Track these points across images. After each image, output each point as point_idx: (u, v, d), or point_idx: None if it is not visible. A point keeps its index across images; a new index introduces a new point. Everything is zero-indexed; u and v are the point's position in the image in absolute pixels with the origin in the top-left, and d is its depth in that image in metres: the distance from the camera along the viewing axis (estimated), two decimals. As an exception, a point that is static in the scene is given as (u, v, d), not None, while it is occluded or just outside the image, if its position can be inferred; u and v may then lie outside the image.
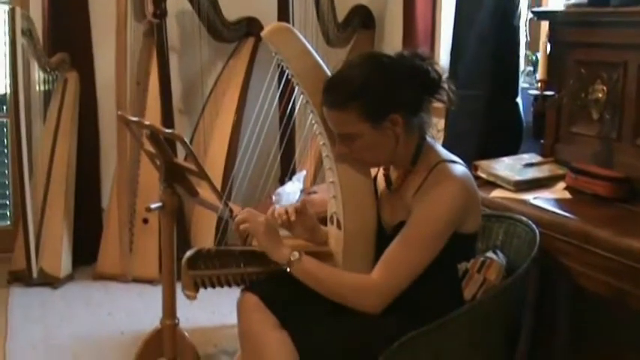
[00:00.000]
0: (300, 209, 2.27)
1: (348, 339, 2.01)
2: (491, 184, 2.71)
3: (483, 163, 2.79)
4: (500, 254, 2.28)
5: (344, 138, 2.08)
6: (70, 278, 4.07)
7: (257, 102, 2.77)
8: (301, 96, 2.18)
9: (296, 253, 2.07)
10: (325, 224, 2.29)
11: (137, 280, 4.06)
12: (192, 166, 2.48)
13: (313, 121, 2.18)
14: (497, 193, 2.63)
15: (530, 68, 3.41)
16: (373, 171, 2.24)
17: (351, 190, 2.14)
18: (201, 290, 2.18)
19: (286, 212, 2.25)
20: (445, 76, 2.12)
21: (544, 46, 2.80)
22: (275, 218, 2.25)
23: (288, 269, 2.07)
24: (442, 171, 2.04)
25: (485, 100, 3.14)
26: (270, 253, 2.10)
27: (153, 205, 2.59)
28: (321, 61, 2.17)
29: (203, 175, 2.44)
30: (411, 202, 2.05)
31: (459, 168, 2.07)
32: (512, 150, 3.04)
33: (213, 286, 2.16)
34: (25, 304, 3.78)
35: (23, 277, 3.96)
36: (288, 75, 2.18)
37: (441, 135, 3.25)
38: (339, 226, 2.16)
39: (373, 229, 2.16)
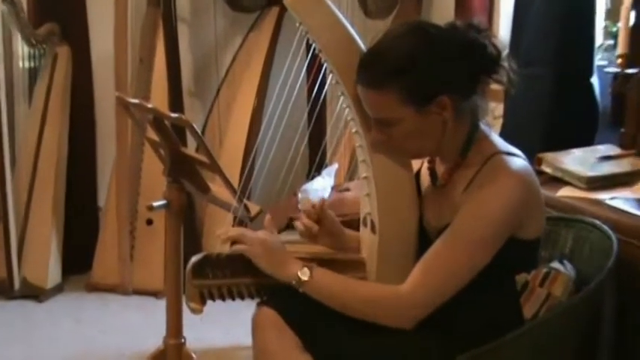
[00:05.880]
0: (319, 214, 2.29)
1: (383, 364, 2.02)
2: (558, 181, 2.70)
3: (549, 156, 2.78)
4: (568, 265, 2.27)
5: (381, 123, 2.08)
6: (58, 290, 4.11)
7: (282, 83, 2.78)
8: (330, 75, 2.18)
9: (306, 270, 2.09)
10: (358, 228, 2.30)
11: (138, 292, 4.10)
12: (202, 158, 2.50)
13: (344, 105, 2.19)
14: (565, 192, 2.62)
15: (610, 42, 3.38)
16: (416, 164, 2.25)
17: (388, 186, 2.15)
18: (213, 304, 2.19)
19: (305, 223, 2.29)
20: (505, 52, 2.11)
21: (626, 14, 2.77)
22: (271, 229, 2.28)
23: (299, 289, 2.09)
24: (498, 164, 2.04)
25: (553, 80, 3.13)
26: (275, 275, 2.12)
27: (156, 203, 2.61)
28: (354, 34, 2.16)
29: (215, 168, 2.46)
30: (459, 200, 2.05)
31: (519, 162, 2.06)
32: (584, 140, 3.03)
33: (223, 299, 2.17)
34: (5, 320, 3.82)
35: (3, 288, 4.01)
36: (315, 50, 2.19)
37: (499, 122, 3.24)
38: (373, 230, 2.17)
39: (414, 233, 2.16)
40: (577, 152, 2.82)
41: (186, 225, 2.89)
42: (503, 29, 3.75)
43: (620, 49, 2.79)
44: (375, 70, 2.04)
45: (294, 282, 2.08)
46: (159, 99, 4.13)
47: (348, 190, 3.31)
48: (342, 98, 2.19)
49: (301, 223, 2.31)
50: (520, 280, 2.13)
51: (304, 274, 2.08)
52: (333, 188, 3.38)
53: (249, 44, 4.42)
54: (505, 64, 2.10)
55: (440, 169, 2.19)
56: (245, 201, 2.54)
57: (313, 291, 2.08)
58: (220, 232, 2.21)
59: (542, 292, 2.14)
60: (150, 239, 4.13)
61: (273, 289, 2.17)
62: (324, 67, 2.21)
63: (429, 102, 2.03)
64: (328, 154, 4.03)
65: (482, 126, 2.13)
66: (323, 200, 2.36)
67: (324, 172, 3.48)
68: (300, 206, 2.42)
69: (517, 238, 2.04)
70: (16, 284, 4.00)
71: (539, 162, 2.76)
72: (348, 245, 2.32)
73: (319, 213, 2.30)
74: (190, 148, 3.36)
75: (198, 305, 2.17)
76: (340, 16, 2.17)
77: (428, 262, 2.03)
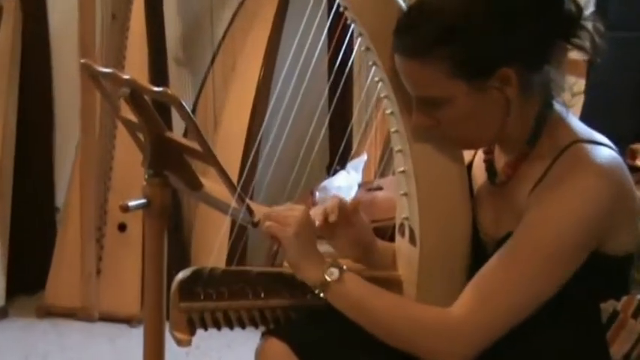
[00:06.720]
0: (344, 207, 2.28)
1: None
2: (656, 180, 2.70)
3: (645, 147, 2.79)
4: (670, 290, 2.27)
5: (425, 104, 2.08)
6: (2, 314, 4.15)
7: (295, 50, 2.79)
8: (359, 39, 2.19)
9: (334, 270, 2.08)
10: (392, 238, 2.32)
11: (107, 319, 4.14)
12: (193, 144, 2.52)
13: (377, 79, 2.19)
14: (665, 194, 2.62)
15: None
16: (467, 154, 2.26)
17: (432, 184, 2.15)
18: (204, 333, 2.21)
19: (324, 212, 2.27)
20: (589, 10, 2.11)
21: None
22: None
23: (322, 294, 2.09)
24: (577, 156, 2.03)
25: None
26: (296, 267, 2.13)
27: (132, 203, 2.62)
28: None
29: (210, 158, 2.47)
30: (526, 202, 2.05)
31: (606, 153, 2.05)
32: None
33: (218, 326, 2.18)
34: None
35: None
36: (339, 8, 2.19)
37: (580, 101, 3.23)
38: (412, 240, 2.18)
39: (465, 244, 2.17)
40: (682, 142, 2.82)
41: (171, 231, 2.91)
42: (586, -18, 3.75)
43: None
44: (417, 33, 2.03)
45: (317, 282, 2.09)
46: (137, 68, 4.17)
47: (380, 188, 3.32)
48: (373, 69, 2.19)
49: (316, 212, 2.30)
50: (607, 309, 2.13)
51: (331, 275, 2.08)
52: (360, 186, 3.40)
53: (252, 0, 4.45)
54: (588, 25, 2.09)
55: (500, 161, 2.19)
56: (247, 201, 2.55)
57: (339, 298, 2.08)
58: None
59: (636, 326, 2.14)
60: (122, 249, 4.16)
61: (282, 315, 2.18)
62: (350, 30, 2.22)
63: (487, 75, 2.02)
64: (355, 143, 4.04)
65: (558, 106, 2.13)
66: (358, 201, 2.35)
67: (350, 165, 3.49)
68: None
69: (602, 253, 2.04)
70: (-51, 307, 4.04)
71: (633, 155, 2.77)
72: (381, 260, 2.33)
73: (349, 214, 2.29)
74: (177, 132, 3.37)
75: (185, 334, 2.18)
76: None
77: (485, 281, 2.03)
